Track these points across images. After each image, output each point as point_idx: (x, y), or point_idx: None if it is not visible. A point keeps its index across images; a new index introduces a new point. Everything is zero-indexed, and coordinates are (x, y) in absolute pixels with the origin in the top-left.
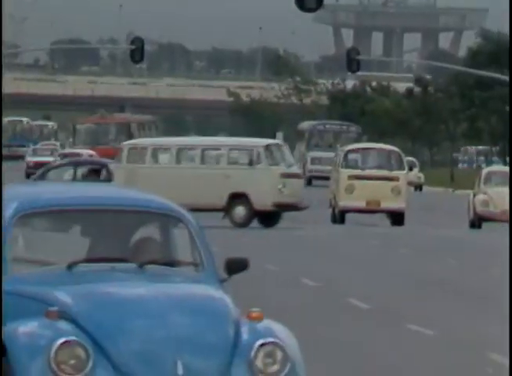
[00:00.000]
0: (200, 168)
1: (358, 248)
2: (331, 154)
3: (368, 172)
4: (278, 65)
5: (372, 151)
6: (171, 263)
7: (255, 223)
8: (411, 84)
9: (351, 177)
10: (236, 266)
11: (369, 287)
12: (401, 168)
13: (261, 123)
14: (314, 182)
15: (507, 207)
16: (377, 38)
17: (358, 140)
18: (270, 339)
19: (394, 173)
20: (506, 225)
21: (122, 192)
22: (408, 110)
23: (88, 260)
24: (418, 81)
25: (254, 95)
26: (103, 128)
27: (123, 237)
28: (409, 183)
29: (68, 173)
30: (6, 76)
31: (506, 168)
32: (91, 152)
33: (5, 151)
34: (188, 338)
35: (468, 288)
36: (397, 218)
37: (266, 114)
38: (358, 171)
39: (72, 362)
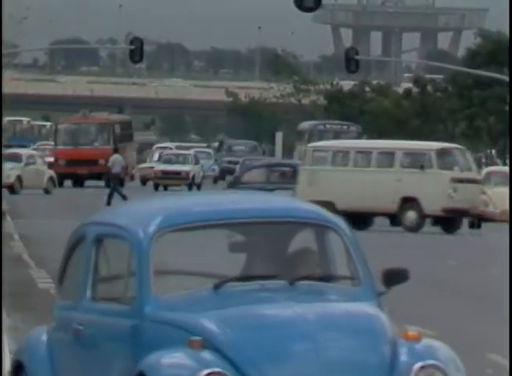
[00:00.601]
0: (375, 171)
1: None
2: None
3: None
4: (277, 65)
5: None
6: (326, 278)
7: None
8: (409, 84)
9: None
10: (394, 278)
11: None
12: None
13: (259, 123)
14: None
15: (507, 207)
16: (376, 38)
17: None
18: (431, 362)
19: None
20: (506, 226)
21: (272, 202)
22: (407, 109)
23: (237, 279)
24: (416, 81)
25: (252, 96)
26: (85, 128)
27: (274, 252)
28: None
29: (260, 175)
30: (5, 76)
31: (506, 168)
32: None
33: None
34: (342, 362)
35: (467, 288)
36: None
37: (265, 114)
38: None
39: None
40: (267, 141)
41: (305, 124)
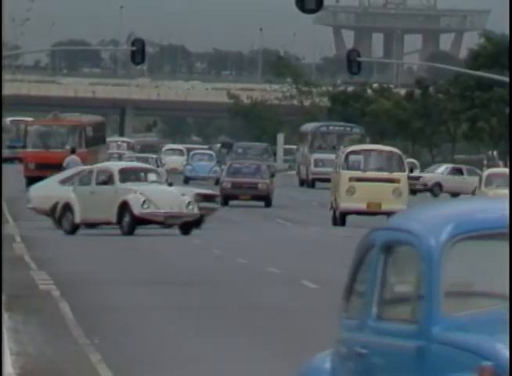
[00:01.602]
0: None
1: None
2: (334, 156)
3: (369, 174)
4: (279, 67)
5: (373, 153)
6: None
7: None
8: (411, 86)
9: (351, 179)
10: None
11: None
12: (402, 169)
13: (261, 125)
14: (317, 184)
15: None
16: (378, 40)
17: (361, 142)
18: None
19: (395, 175)
20: None
21: None
22: (408, 111)
23: None
24: (418, 82)
25: (254, 97)
26: (55, 131)
27: None
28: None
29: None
30: (7, 77)
31: (507, 170)
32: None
33: (9, 153)
34: None
35: None
36: None
37: (267, 116)
38: (359, 173)
39: None
40: (269, 143)
41: (308, 126)
